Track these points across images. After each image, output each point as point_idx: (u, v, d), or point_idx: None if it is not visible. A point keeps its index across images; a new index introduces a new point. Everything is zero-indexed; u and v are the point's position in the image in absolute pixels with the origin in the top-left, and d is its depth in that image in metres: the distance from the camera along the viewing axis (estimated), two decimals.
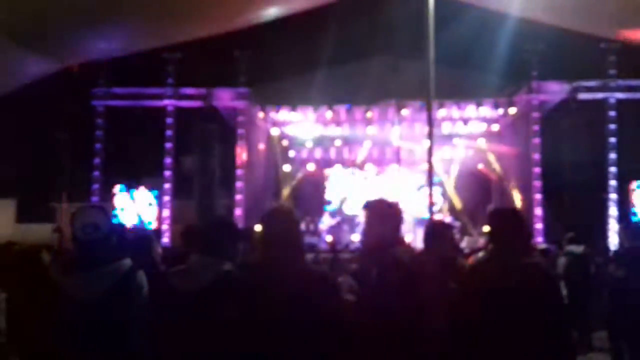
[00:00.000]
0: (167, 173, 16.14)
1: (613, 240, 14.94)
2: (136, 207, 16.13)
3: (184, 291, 2.94)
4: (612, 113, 15.19)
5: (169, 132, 16.10)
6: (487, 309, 2.75)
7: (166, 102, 16.05)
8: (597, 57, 14.64)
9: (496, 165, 18.50)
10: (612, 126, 15.20)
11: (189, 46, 14.48)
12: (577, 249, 8.56)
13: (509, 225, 2.98)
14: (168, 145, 16.09)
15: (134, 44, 12.91)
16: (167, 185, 16.14)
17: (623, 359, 4.03)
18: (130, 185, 16.21)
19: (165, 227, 15.83)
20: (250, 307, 2.58)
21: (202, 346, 2.82)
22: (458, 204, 18.96)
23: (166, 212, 16.04)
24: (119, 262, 3.18)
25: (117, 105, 15.98)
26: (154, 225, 15.72)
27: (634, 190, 15.64)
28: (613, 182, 15.31)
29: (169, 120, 16.08)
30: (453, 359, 3.10)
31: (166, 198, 16.11)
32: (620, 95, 15.14)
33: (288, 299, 2.53)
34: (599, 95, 15.27)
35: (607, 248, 13.39)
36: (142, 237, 4.25)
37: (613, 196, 15.32)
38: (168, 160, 16.12)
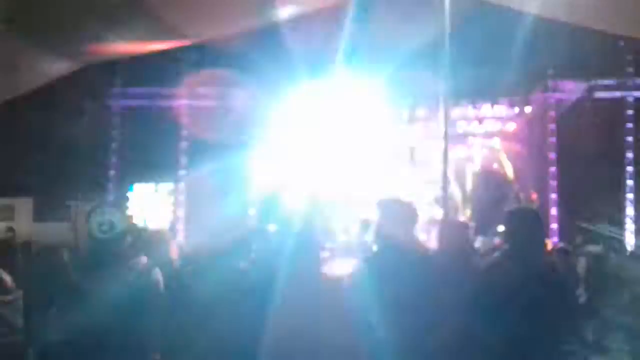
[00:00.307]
0: (182, 173, 16.23)
1: (630, 241, 14.80)
2: (151, 206, 16.23)
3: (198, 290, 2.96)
4: (630, 112, 15.03)
5: (184, 132, 16.19)
6: (501, 308, 2.75)
7: (182, 101, 16.14)
8: (614, 55, 14.48)
9: (511, 165, 18.33)
10: (630, 125, 15.04)
11: (205, 46, 14.49)
12: (595, 248, 8.48)
13: (528, 225, 2.98)
14: (183, 144, 16.18)
15: (151, 43, 12.96)
16: (181, 185, 16.23)
17: None
18: (146, 184, 16.32)
19: (180, 226, 15.91)
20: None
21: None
22: (473, 203, 18.80)
23: (181, 212, 16.12)
24: (135, 260, 3.21)
25: (133, 105, 16.11)
26: (167, 225, 15.80)
27: None
28: (630, 182, 15.14)
29: (185, 119, 16.17)
30: (466, 357, 3.10)
31: (181, 197, 16.18)
32: (637, 93, 14.98)
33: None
34: (616, 94, 15.12)
35: (624, 248, 13.27)
36: (159, 236, 4.28)
37: (630, 196, 15.15)
38: (183, 160, 16.20)
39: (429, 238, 14.50)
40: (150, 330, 3.18)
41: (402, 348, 2.59)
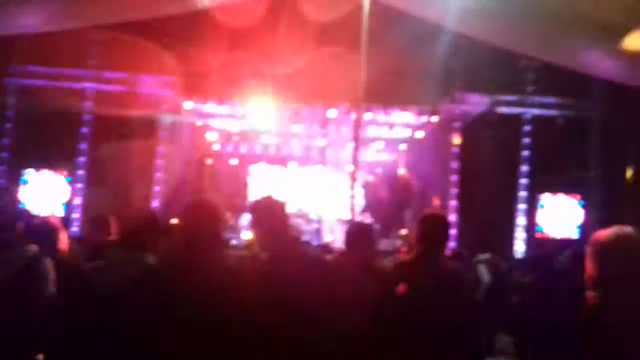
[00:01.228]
0: (82, 159, 15.46)
1: (519, 249, 15.77)
2: (46, 193, 15.31)
3: (104, 289, 2.74)
4: (527, 127, 16.00)
5: (86, 117, 15.42)
6: (407, 309, 2.81)
7: (86, 84, 15.37)
8: (517, 73, 15.38)
9: (416, 171, 19.00)
10: (526, 140, 16.02)
11: (115, 29, 13.87)
12: (484, 256, 8.95)
13: (438, 230, 3.09)
14: (84, 130, 15.41)
15: (57, 21, 12.21)
16: (80, 172, 15.46)
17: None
18: (42, 169, 15.37)
19: (76, 215, 15.14)
20: (169, 306, 2.44)
21: (119, 348, 2.65)
22: (378, 206, 19.30)
23: (78, 200, 15.35)
24: (24, 247, 3.03)
25: (33, 85, 15.14)
26: (62, 213, 14.97)
27: (540, 202, 16.50)
28: (523, 194, 16.13)
29: (88, 104, 15.40)
30: (370, 357, 3.14)
31: (79, 185, 15.41)
32: (535, 111, 15.98)
33: (206, 295, 2.43)
34: (516, 110, 16.06)
35: (513, 256, 14.13)
36: (47, 225, 3.99)
37: (522, 206, 16.14)
38: (83, 146, 15.44)
39: (335, 239, 14.74)
40: (35, 327, 2.97)
41: (296, 350, 2.56)
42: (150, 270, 2.69)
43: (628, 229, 2.30)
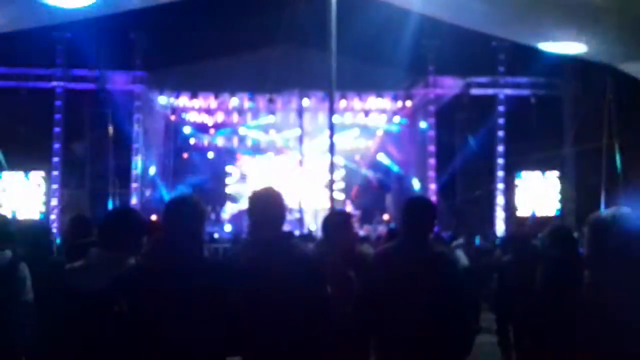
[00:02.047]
0: (56, 159, 15.22)
1: (500, 228, 15.97)
2: (21, 195, 15.05)
3: (85, 290, 2.70)
4: (501, 108, 16.15)
5: (57, 116, 15.16)
6: (396, 294, 2.82)
7: (55, 83, 15.10)
8: (488, 55, 15.46)
9: (395, 155, 19.10)
10: (501, 120, 16.17)
11: (81, 26, 13.61)
12: (458, 241, 9.21)
13: (423, 214, 3.07)
14: (57, 130, 15.16)
15: (21, 20, 11.92)
16: (55, 173, 15.23)
17: (508, 339, 4.30)
18: (15, 171, 15.09)
19: (53, 216, 14.92)
20: (153, 305, 2.42)
21: (104, 348, 2.61)
22: (358, 192, 19.42)
23: (54, 201, 15.14)
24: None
25: (1, 87, 14.83)
26: (37, 215, 14.75)
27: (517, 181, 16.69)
28: (500, 173, 16.31)
29: (58, 103, 15.14)
30: (357, 344, 3.15)
31: (54, 186, 15.19)
32: (508, 91, 16.12)
33: (186, 292, 2.41)
34: (490, 91, 16.18)
35: (494, 235, 14.28)
36: (39, 227, 3.97)
37: (500, 186, 16.33)
38: (57, 146, 15.19)
39: (318, 228, 14.77)
40: (13, 332, 2.93)
41: (280, 342, 2.55)
42: (132, 270, 2.64)
43: (625, 209, 2.30)
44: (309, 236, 10.71)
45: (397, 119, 18.27)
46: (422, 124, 16.66)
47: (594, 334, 2.09)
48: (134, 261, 2.72)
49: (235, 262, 2.96)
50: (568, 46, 8.39)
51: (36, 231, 3.87)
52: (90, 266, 2.72)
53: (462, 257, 8.22)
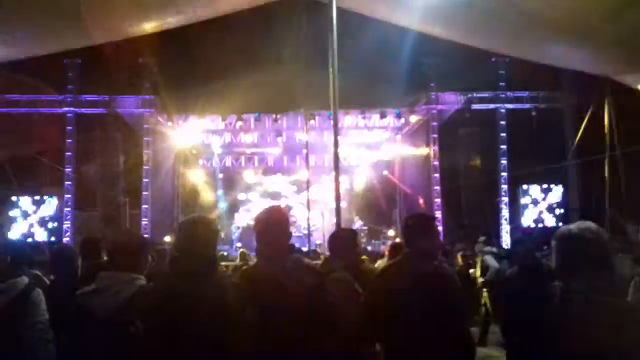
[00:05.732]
0: (68, 183, 15.50)
1: (506, 240, 16.05)
2: (35, 220, 15.31)
3: (100, 313, 2.68)
4: (503, 122, 16.33)
5: (69, 141, 15.48)
6: (399, 310, 2.87)
7: (66, 109, 15.43)
8: (488, 70, 15.70)
9: (400, 172, 19.25)
10: (503, 134, 16.34)
11: (91, 52, 13.97)
12: (487, 248, 9.46)
13: (423, 230, 3.12)
14: (68, 154, 15.46)
15: (33, 48, 12.27)
16: (67, 196, 15.49)
17: (516, 352, 4.28)
18: (29, 196, 15.36)
19: (66, 239, 15.15)
20: (165, 325, 2.46)
21: None
22: (364, 209, 19.57)
23: (67, 224, 15.38)
24: (15, 280, 2.96)
25: (14, 112, 15.14)
26: (53, 237, 14.99)
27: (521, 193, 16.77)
28: (504, 187, 16.44)
29: (69, 128, 15.47)
30: (361, 358, 3.25)
31: (67, 209, 15.44)
32: (509, 105, 16.31)
33: (204, 312, 2.47)
34: (491, 106, 16.38)
35: (502, 248, 14.31)
36: (65, 251, 4.07)
37: (505, 199, 16.45)
38: (68, 170, 15.48)
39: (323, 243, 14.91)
40: (33, 354, 2.90)
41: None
42: (146, 290, 2.68)
43: (588, 224, 2.43)
44: (314, 253, 10.82)
45: (400, 135, 18.50)
46: (428, 140, 16.79)
47: (571, 344, 2.22)
48: (143, 282, 2.77)
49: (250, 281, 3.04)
50: (566, 61, 8.67)
51: (69, 255, 3.96)
52: (102, 289, 2.75)
53: (492, 261, 8.70)
